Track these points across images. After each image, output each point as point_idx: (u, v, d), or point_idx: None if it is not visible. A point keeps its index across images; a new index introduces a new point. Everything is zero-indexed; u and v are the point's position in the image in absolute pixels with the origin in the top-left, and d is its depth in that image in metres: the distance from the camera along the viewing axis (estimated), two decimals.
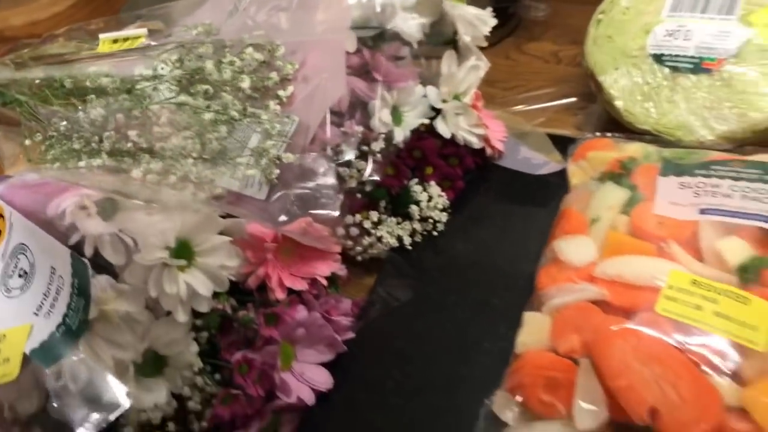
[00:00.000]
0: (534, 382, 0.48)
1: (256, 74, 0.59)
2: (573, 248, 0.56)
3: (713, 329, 0.47)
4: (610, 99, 0.72)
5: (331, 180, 0.57)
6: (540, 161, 0.72)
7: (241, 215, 0.57)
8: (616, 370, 0.46)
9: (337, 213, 0.55)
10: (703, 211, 0.54)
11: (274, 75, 0.59)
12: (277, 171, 0.56)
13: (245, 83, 0.57)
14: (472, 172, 0.72)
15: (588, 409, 0.46)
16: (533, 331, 0.52)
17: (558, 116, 0.80)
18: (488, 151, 0.72)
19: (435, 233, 0.67)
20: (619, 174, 0.60)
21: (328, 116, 0.59)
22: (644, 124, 0.70)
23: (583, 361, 0.47)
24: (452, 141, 0.69)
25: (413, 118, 0.67)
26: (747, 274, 0.50)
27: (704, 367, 0.46)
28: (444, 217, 0.68)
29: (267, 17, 0.65)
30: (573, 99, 0.82)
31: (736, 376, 0.45)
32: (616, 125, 0.72)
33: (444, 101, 0.68)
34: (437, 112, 0.68)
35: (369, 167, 0.63)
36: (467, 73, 0.69)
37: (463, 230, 0.68)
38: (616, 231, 0.56)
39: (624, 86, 0.71)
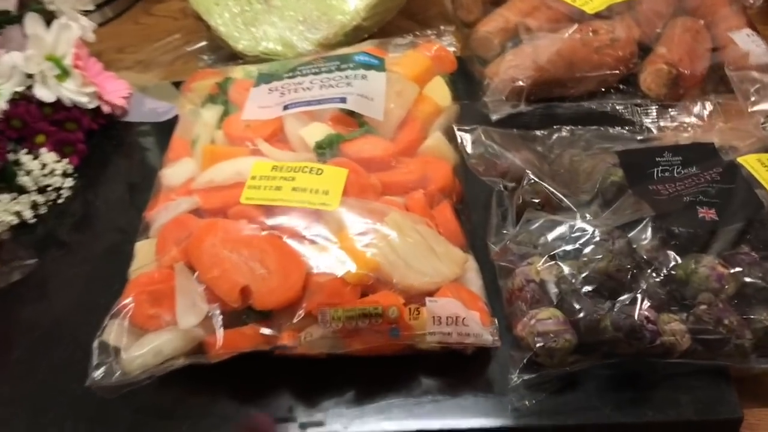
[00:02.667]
0: (139, 300, 0.48)
1: None
2: (174, 171, 0.56)
3: (292, 203, 0.49)
4: (220, 35, 0.74)
5: None
6: (165, 108, 0.72)
7: None
8: (208, 263, 0.47)
9: None
10: (286, 107, 0.57)
11: None
12: None
13: None
14: (97, 134, 0.70)
15: (188, 307, 0.46)
16: (143, 258, 0.52)
17: (187, 66, 0.80)
18: (106, 109, 0.70)
19: (60, 200, 0.64)
20: (216, 95, 0.62)
21: None
22: (254, 51, 0.72)
23: (177, 265, 0.48)
24: (62, 105, 0.67)
25: (10, 89, 0.64)
26: (323, 150, 0.54)
27: (287, 239, 0.48)
28: (68, 182, 0.65)
29: None
30: (202, 44, 0.82)
31: (317, 239, 0.48)
32: (236, 58, 0.74)
33: (38, 65, 0.65)
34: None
35: None
36: (58, 34, 0.67)
37: (93, 191, 0.65)
38: (213, 144, 0.57)
39: (227, 20, 0.73)
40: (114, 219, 0.63)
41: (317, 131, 0.55)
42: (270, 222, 0.49)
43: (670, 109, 0.60)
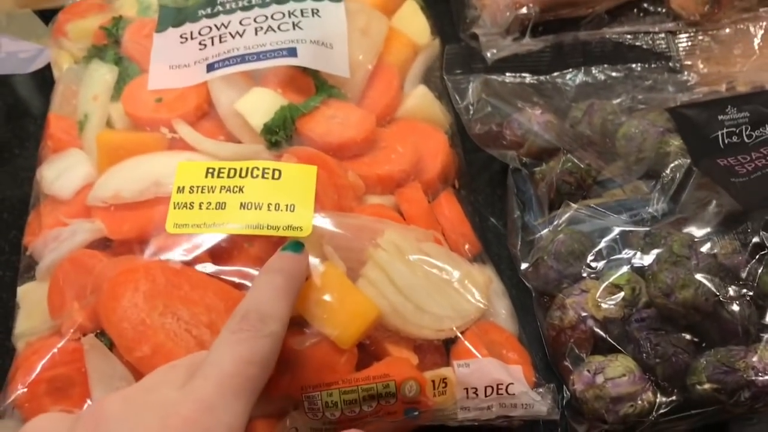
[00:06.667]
0: (35, 391, 0.33)
1: None
2: (58, 172, 0.39)
3: (244, 230, 0.34)
4: None
5: None
6: (31, 52, 0.53)
7: None
8: (131, 335, 0.32)
9: None
10: (211, 66, 0.40)
11: None
12: None
13: None
14: None
15: None
16: (31, 314, 0.36)
17: None
18: None
19: None
20: (104, 47, 0.43)
21: None
22: None
23: (87, 339, 0.33)
24: None
25: None
26: (276, 135, 0.38)
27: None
28: None
29: None
30: None
31: None
32: None
33: None
34: None
35: None
36: None
37: None
38: (111, 128, 0.40)
39: None
40: None
41: (261, 102, 0.39)
42: (215, 263, 0.34)
43: (709, 35, 0.46)
